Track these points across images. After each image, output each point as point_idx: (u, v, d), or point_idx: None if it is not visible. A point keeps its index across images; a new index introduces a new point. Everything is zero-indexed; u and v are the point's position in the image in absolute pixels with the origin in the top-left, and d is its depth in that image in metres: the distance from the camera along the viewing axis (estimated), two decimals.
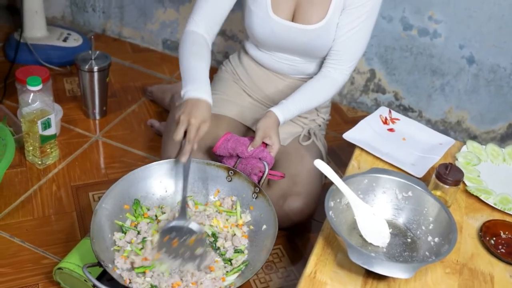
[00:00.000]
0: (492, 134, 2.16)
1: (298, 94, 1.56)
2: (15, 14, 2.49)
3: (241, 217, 1.39)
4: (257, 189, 1.39)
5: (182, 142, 1.38)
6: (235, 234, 1.35)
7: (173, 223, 1.29)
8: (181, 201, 1.33)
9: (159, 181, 1.43)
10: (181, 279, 1.22)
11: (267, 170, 1.43)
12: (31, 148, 1.73)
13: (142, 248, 1.28)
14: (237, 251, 1.32)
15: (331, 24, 1.54)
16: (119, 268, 1.23)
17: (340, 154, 2.03)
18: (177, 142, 1.38)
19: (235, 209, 1.40)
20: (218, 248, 1.32)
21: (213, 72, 1.88)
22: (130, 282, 1.20)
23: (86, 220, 1.60)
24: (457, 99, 2.16)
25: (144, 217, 1.37)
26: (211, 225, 1.36)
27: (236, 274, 1.26)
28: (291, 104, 1.53)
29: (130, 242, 1.29)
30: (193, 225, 1.29)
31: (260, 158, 1.44)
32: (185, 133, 1.35)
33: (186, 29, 1.56)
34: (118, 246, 1.28)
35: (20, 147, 1.79)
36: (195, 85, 1.41)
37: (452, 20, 2.01)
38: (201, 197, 1.44)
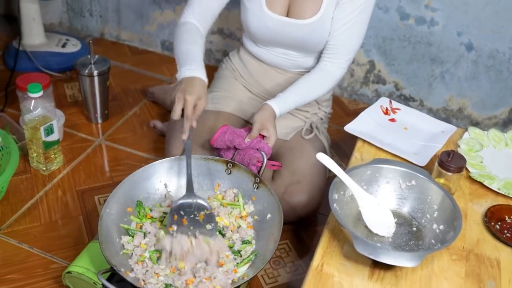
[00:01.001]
0: (494, 120, 2.16)
1: (294, 88, 1.56)
2: (13, 22, 2.50)
3: (244, 208, 1.40)
4: (257, 179, 1.40)
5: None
6: (240, 226, 1.36)
7: (181, 201, 1.30)
8: (187, 178, 1.34)
9: (159, 181, 1.43)
10: (194, 276, 1.23)
11: (265, 159, 1.43)
12: (35, 154, 1.74)
13: (158, 256, 1.29)
14: (244, 242, 1.33)
15: (325, 18, 1.54)
16: (136, 273, 1.23)
17: (342, 146, 2.04)
18: (176, 121, 1.39)
19: (238, 201, 1.41)
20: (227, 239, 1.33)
21: (213, 70, 1.89)
22: (144, 284, 1.21)
23: (92, 223, 1.61)
24: (458, 87, 2.16)
25: (147, 218, 1.38)
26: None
27: (247, 265, 1.26)
28: (287, 97, 1.54)
29: (138, 246, 1.30)
30: (201, 201, 1.30)
31: (257, 149, 1.45)
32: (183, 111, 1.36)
33: (180, 21, 1.60)
34: (127, 250, 1.29)
35: (24, 154, 1.80)
36: (189, 65, 1.43)
37: (448, 7, 2.00)
38: (202, 192, 1.44)
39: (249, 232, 1.35)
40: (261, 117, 1.48)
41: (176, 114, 1.35)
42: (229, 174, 1.44)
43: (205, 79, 1.42)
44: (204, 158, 1.45)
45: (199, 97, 1.36)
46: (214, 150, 1.54)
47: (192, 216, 1.29)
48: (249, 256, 1.28)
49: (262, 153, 1.44)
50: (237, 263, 1.27)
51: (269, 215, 1.35)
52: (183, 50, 1.49)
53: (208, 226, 1.29)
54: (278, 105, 1.51)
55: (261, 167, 1.44)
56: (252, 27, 1.61)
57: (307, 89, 1.57)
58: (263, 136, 1.48)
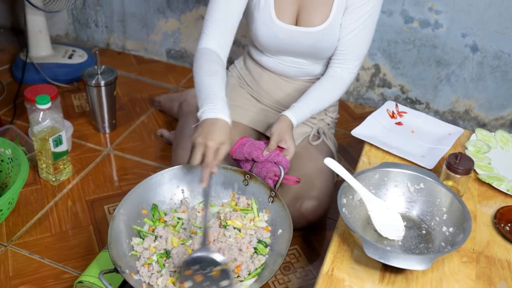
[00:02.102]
0: (501, 121, 2.16)
1: (308, 96, 1.56)
2: (20, 35, 2.53)
3: (258, 215, 1.40)
4: (273, 193, 1.40)
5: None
6: (256, 228, 1.37)
7: (196, 255, 1.23)
8: (203, 230, 1.28)
9: (176, 186, 1.44)
10: None
11: (282, 174, 1.43)
12: (44, 165, 1.76)
13: (166, 259, 1.30)
14: (260, 242, 1.33)
15: (335, 25, 1.55)
16: (141, 275, 1.24)
17: (350, 150, 2.04)
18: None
19: (251, 207, 1.42)
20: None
21: None
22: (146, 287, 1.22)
23: (103, 233, 1.62)
24: (464, 88, 2.16)
25: (161, 222, 1.39)
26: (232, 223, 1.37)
27: (254, 279, 1.27)
28: (303, 106, 1.53)
29: (147, 249, 1.31)
30: (216, 256, 1.22)
31: (275, 162, 1.45)
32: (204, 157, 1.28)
33: (198, 46, 1.53)
34: (136, 251, 1.30)
35: (34, 166, 1.82)
36: (212, 104, 1.34)
37: (452, 9, 2.01)
38: (218, 201, 1.46)
39: (265, 235, 1.35)
40: (279, 129, 1.47)
41: (196, 161, 1.27)
42: (246, 185, 1.45)
43: (229, 120, 1.33)
44: (223, 167, 1.45)
45: (222, 142, 1.28)
46: (233, 161, 1.54)
47: (207, 271, 1.21)
48: (257, 269, 1.28)
49: (280, 167, 1.44)
50: (244, 277, 1.27)
51: (280, 231, 1.35)
52: (205, 86, 1.40)
53: (224, 283, 1.19)
54: (294, 115, 1.50)
55: (277, 181, 1.44)
56: (262, 37, 1.61)
57: (321, 96, 1.57)
58: (282, 148, 1.48)
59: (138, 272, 1.25)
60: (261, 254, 1.31)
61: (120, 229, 1.30)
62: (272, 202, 1.40)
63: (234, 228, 1.35)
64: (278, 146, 1.47)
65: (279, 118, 1.50)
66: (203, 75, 1.43)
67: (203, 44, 1.53)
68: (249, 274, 1.27)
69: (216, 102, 1.35)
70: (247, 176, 1.44)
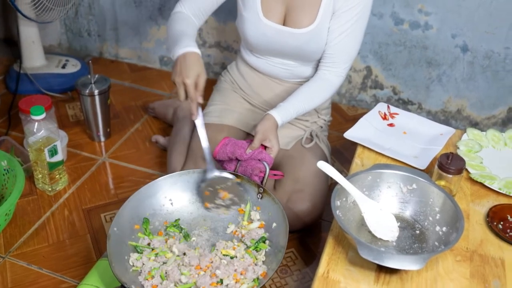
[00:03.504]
0: (493, 120, 2.18)
1: (295, 97, 1.58)
2: (13, 46, 2.53)
3: (250, 215, 1.43)
4: (261, 189, 1.41)
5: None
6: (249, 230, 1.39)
7: (209, 175, 1.42)
8: (207, 154, 1.43)
9: (164, 196, 1.45)
10: None
11: (267, 169, 1.45)
12: (40, 176, 1.76)
13: (164, 263, 1.31)
14: (258, 241, 1.36)
15: (322, 28, 1.56)
16: None
17: (344, 152, 2.05)
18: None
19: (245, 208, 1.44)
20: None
21: (212, 83, 1.91)
22: None
23: (100, 241, 1.62)
24: (455, 88, 2.17)
25: (159, 235, 1.40)
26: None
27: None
28: (288, 106, 1.55)
29: (147, 263, 1.31)
30: (225, 174, 1.43)
31: (259, 159, 1.46)
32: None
33: (173, 11, 1.62)
34: (137, 267, 1.31)
35: (30, 176, 1.82)
36: (180, 43, 1.44)
37: (442, 10, 2.03)
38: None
39: (260, 232, 1.38)
40: (263, 128, 1.49)
41: (181, 97, 1.39)
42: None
43: (198, 51, 1.43)
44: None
45: (198, 75, 1.38)
46: (217, 163, 1.56)
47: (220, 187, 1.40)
48: (254, 279, 1.28)
49: (264, 163, 1.46)
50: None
51: (274, 224, 1.37)
52: (176, 33, 1.50)
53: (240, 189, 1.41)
54: (279, 114, 1.52)
55: (263, 177, 1.45)
56: (249, 35, 1.63)
57: (308, 97, 1.59)
58: (265, 147, 1.50)
59: (143, 286, 1.26)
60: (262, 249, 1.34)
61: (117, 246, 1.31)
62: (261, 198, 1.41)
63: (229, 256, 1.34)
64: (262, 145, 1.48)
65: (264, 117, 1.51)
66: (175, 26, 1.54)
67: (178, 9, 1.62)
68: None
69: (184, 40, 1.45)
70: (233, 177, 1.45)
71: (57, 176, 1.78)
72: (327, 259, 1.15)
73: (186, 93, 1.39)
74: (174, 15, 1.60)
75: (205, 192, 1.42)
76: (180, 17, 1.58)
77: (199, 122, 1.42)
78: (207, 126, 1.72)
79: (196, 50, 1.43)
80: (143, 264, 1.31)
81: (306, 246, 1.64)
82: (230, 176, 1.43)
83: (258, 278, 1.27)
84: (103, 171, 1.93)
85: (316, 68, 1.68)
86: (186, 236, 1.40)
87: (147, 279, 1.27)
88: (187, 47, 1.43)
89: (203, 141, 1.43)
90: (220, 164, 1.54)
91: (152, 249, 1.35)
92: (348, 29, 1.55)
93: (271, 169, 1.48)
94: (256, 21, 1.60)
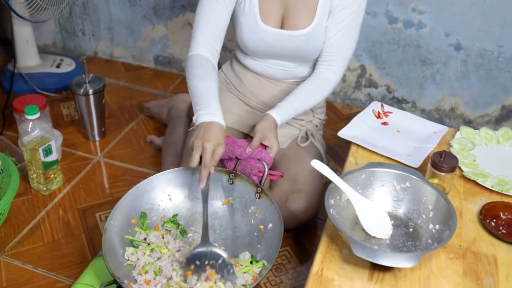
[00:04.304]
0: (487, 118, 2.19)
1: (293, 96, 1.58)
2: (7, 45, 2.53)
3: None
4: (259, 189, 1.42)
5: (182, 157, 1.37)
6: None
7: (197, 250, 1.29)
8: (203, 227, 1.32)
9: (163, 192, 1.45)
10: None
11: (266, 169, 1.45)
12: (35, 175, 1.76)
13: (158, 259, 1.32)
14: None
15: (320, 28, 1.57)
16: (140, 284, 1.26)
17: (338, 151, 2.06)
18: (194, 166, 1.33)
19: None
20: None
21: None
22: None
23: (95, 240, 1.63)
24: (449, 87, 2.18)
25: (156, 230, 1.40)
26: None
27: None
28: (288, 106, 1.55)
29: (142, 257, 1.32)
30: (217, 250, 1.29)
31: (259, 159, 1.47)
32: (201, 158, 1.33)
33: (189, 54, 1.56)
34: (131, 261, 1.31)
35: (24, 176, 1.82)
36: (206, 109, 1.39)
37: (435, 9, 2.04)
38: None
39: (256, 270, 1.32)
40: (262, 127, 1.49)
41: (194, 162, 1.32)
42: (231, 184, 1.47)
43: (223, 123, 1.38)
44: None
45: (218, 144, 1.33)
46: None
47: (210, 263, 1.27)
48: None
49: (264, 163, 1.46)
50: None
51: (270, 225, 1.37)
52: (198, 90, 1.44)
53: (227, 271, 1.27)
54: (279, 114, 1.52)
55: (262, 177, 1.46)
56: (248, 41, 1.63)
57: (306, 96, 1.59)
58: (265, 146, 1.50)
59: (136, 281, 1.26)
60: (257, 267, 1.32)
61: (113, 240, 1.31)
62: (259, 198, 1.41)
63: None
64: (262, 144, 1.49)
65: (263, 117, 1.52)
66: (196, 80, 1.47)
67: (193, 51, 1.55)
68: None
69: (211, 106, 1.39)
70: (232, 175, 1.45)
71: (51, 176, 1.78)
72: (321, 257, 1.16)
73: (201, 158, 1.32)
74: (192, 61, 1.53)
75: (191, 266, 1.28)
76: (200, 64, 1.51)
77: (205, 193, 1.33)
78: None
79: (222, 122, 1.38)
80: (138, 258, 1.31)
81: (301, 245, 1.65)
82: (224, 254, 1.29)
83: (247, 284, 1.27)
84: (98, 171, 1.93)
85: (313, 68, 1.68)
86: (183, 232, 1.41)
87: (140, 274, 1.27)
88: (214, 116, 1.37)
89: (205, 214, 1.32)
90: (220, 162, 1.54)
91: (148, 244, 1.35)
92: (344, 27, 1.56)
93: (270, 169, 1.48)
94: (254, 27, 1.59)
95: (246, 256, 1.34)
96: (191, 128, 1.42)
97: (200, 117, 1.38)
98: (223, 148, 1.35)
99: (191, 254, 1.29)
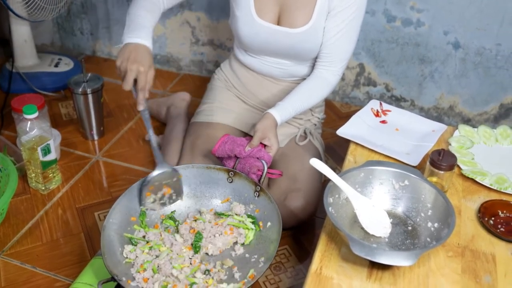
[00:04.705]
0: (485, 116, 2.19)
1: (293, 95, 1.58)
2: (5, 45, 2.52)
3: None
4: (258, 188, 1.42)
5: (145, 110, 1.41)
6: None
7: (156, 173, 1.39)
8: (153, 150, 1.41)
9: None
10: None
11: (265, 168, 1.45)
12: (34, 175, 1.76)
13: (157, 257, 1.32)
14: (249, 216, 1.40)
15: (317, 27, 1.57)
16: (138, 282, 1.26)
17: (337, 149, 2.06)
18: (128, 89, 1.38)
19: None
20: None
21: (206, 81, 1.91)
22: None
23: (94, 240, 1.62)
24: (447, 85, 2.18)
25: (155, 228, 1.40)
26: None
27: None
28: (287, 105, 1.55)
29: (140, 255, 1.32)
30: (170, 168, 1.40)
31: (258, 158, 1.47)
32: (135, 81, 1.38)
33: None
34: (130, 259, 1.31)
35: (23, 175, 1.82)
36: (137, 32, 1.43)
37: (433, 7, 2.03)
38: (205, 201, 1.48)
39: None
40: (262, 126, 1.49)
41: (129, 85, 1.36)
42: (230, 182, 1.47)
43: (151, 47, 1.42)
44: (207, 167, 1.48)
45: (150, 66, 1.37)
46: (216, 159, 1.57)
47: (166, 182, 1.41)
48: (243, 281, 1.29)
49: (263, 161, 1.46)
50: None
51: (269, 223, 1.38)
52: (137, 17, 1.48)
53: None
54: (279, 113, 1.52)
55: (261, 175, 1.46)
56: (243, 35, 1.63)
57: (306, 96, 1.59)
58: (264, 145, 1.50)
59: (134, 278, 1.26)
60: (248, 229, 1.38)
61: (111, 238, 1.32)
62: (258, 196, 1.42)
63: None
64: (261, 143, 1.49)
65: (263, 115, 1.52)
66: (139, 8, 1.50)
67: None
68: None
69: (143, 31, 1.43)
70: (231, 173, 1.46)
71: (50, 175, 1.78)
72: (320, 255, 1.16)
73: (134, 82, 1.37)
74: None
75: (150, 187, 1.39)
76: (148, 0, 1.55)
77: (145, 114, 1.40)
78: (203, 124, 1.73)
79: (150, 45, 1.42)
80: (136, 256, 1.31)
81: (300, 243, 1.65)
82: (176, 170, 1.43)
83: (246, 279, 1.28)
84: (96, 170, 1.92)
85: (311, 67, 1.68)
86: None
87: (139, 272, 1.27)
88: (142, 38, 1.42)
89: (152, 135, 1.40)
90: (220, 160, 1.55)
91: (147, 242, 1.35)
92: (343, 28, 1.56)
93: (269, 168, 1.48)
94: (250, 21, 1.60)
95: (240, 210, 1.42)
96: (117, 46, 1.46)
97: (128, 38, 1.42)
98: (154, 71, 1.38)
99: (150, 178, 1.38)
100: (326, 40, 1.59)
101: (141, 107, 1.38)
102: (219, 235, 1.37)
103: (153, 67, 1.39)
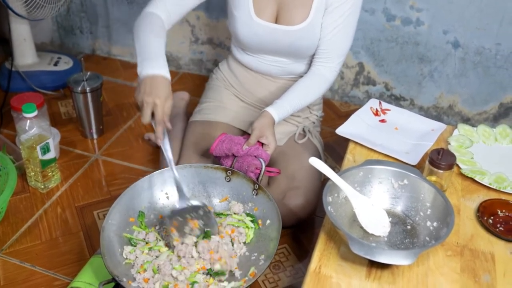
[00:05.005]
0: (485, 115, 2.19)
1: (290, 93, 1.58)
2: (4, 43, 2.52)
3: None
4: (256, 186, 1.42)
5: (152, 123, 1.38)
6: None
7: (178, 207, 1.35)
8: (176, 183, 1.37)
9: (160, 190, 1.46)
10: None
11: (263, 166, 1.45)
12: (33, 173, 1.76)
13: (157, 257, 1.32)
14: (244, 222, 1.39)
15: (315, 24, 1.57)
16: (139, 282, 1.26)
17: (336, 148, 2.06)
18: (146, 122, 1.35)
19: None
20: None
21: (205, 80, 1.91)
22: None
23: (93, 238, 1.62)
24: (447, 84, 2.18)
25: (154, 229, 1.40)
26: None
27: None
28: (285, 102, 1.55)
29: (140, 256, 1.32)
30: (195, 202, 1.36)
31: (255, 156, 1.47)
32: (152, 114, 1.35)
33: (145, 10, 1.56)
34: (130, 260, 1.31)
35: (22, 174, 1.82)
36: (152, 62, 1.39)
37: (433, 7, 2.03)
38: (204, 200, 1.47)
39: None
40: (259, 125, 1.49)
41: (146, 119, 1.34)
42: (228, 181, 1.47)
43: (168, 75, 1.39)
44: (204, 166, 1.48)
45: (167, 97, 1.35)
46: (214, 158, 1.57)
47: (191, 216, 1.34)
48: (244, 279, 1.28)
49: (260, 160, 1.46)
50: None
51: (268, 221, 1.38)
52: (146, 44, 1.44)
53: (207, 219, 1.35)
54: (276, 111, 1.52)
55: (259, 174, 1.46)
56: (241, 35, 1.63)
57: (303, 93, 1.59)
58: (262, 144, 1.50)
59: (135, 279, 1.26)
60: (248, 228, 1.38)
61: (111, 238, 1.31)
62: (256, 194, 1.42)
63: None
64: (259, 141, 1.49)
65: (261, 114, 1.52)
66: (149, 33, 1.47)
67: (152, 9, 1.56)
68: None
69: (156, 60, 1.40)
70: (229, 172, 1.46)
71: (49, 174, 1.78)
72: (319, 254, 1.16)
73: (152, 114, 1.35)
74: (147, 17, 1.53)
75: (174, 223, 1.33)
76: (152, 22, 1.52)
77: (166, 146, 1.37)
78: (202, 123, 1.73)
79: (167, 75, 1.38)
80: (136, 257, 1.31)
81: (299, 242, 1.65)
82: (199, 203, 1.36)
83: (246, 277, 1.27)
84: (95, 169, 1.92)
85: (309, 64, 1.68)
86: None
87: (139, 272, 1.27)
88: (160, 69, 1.38)
89: (173, 169, 1.37)
90: (217, 159, 1.55)
91: (146, 243, 1.35)
92: (340, 24, 1.56)
93: (267, 166, 1.49)
94: (248, 21, 1.60)
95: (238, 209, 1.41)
96: (137, 83, 1.41)
97: (145, 69, 1.37)
98: (171, 101, 1.36)
99: (173, 212, 1.33)
100: (323, 36, 1.59)
101: (159, 141, 1.35)
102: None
103: (170, 97, 1.35)
